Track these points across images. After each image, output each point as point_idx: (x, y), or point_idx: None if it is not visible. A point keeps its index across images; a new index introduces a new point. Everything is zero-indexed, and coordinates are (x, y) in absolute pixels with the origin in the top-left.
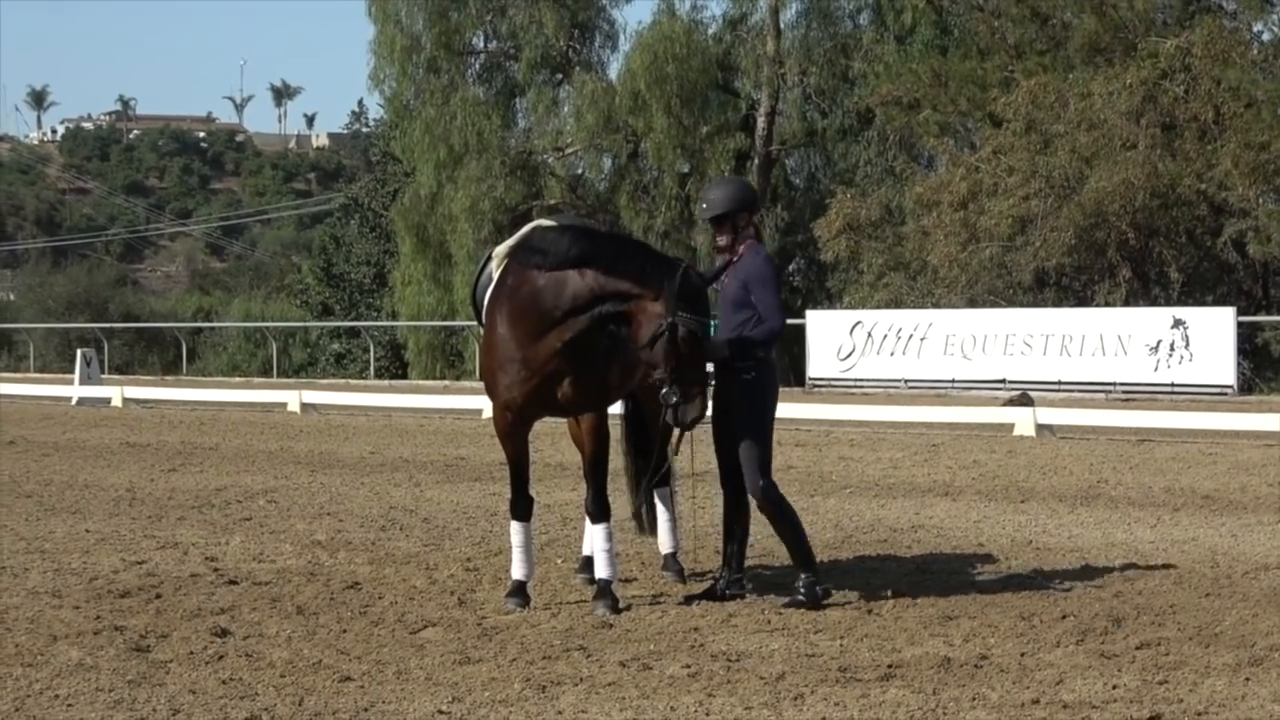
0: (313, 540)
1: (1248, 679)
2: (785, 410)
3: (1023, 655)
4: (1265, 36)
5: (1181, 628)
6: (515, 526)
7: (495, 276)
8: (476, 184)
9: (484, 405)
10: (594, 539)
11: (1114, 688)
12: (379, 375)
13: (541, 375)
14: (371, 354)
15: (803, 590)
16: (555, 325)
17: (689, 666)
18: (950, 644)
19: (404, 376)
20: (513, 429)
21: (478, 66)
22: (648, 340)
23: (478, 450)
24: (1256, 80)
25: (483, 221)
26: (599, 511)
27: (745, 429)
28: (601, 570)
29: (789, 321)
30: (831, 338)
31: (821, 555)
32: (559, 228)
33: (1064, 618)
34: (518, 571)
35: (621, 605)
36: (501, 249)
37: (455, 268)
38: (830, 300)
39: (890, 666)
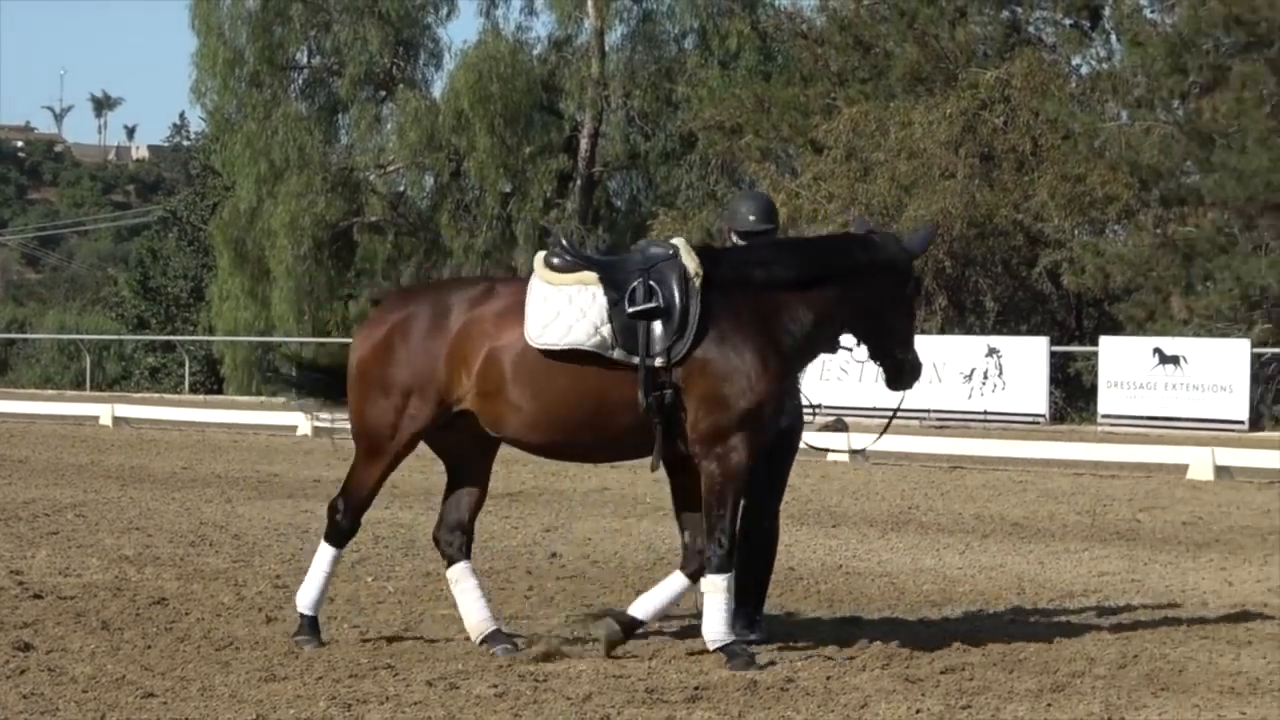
0: (120, 555)
1: (1049, 705)
2: None
3: (828, 678)
4: (1083, 70)
5: (986, 653)
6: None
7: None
8: (297, 200)
9: (299, 421)
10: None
11: (918, 712)
12: (194, 390)
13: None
14: (187, 368)
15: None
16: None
17: (496, 686)
18: (757, 667)
19: (220, 392)
20: None
21: (301, 82)
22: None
23: (291, 467)
24: (1074, 113)
25: (302, 237)
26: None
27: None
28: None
29: None
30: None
31: (633, 578)
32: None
33: (870, 642)
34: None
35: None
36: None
37: (273, 283)
38: None
39: (697, 689)
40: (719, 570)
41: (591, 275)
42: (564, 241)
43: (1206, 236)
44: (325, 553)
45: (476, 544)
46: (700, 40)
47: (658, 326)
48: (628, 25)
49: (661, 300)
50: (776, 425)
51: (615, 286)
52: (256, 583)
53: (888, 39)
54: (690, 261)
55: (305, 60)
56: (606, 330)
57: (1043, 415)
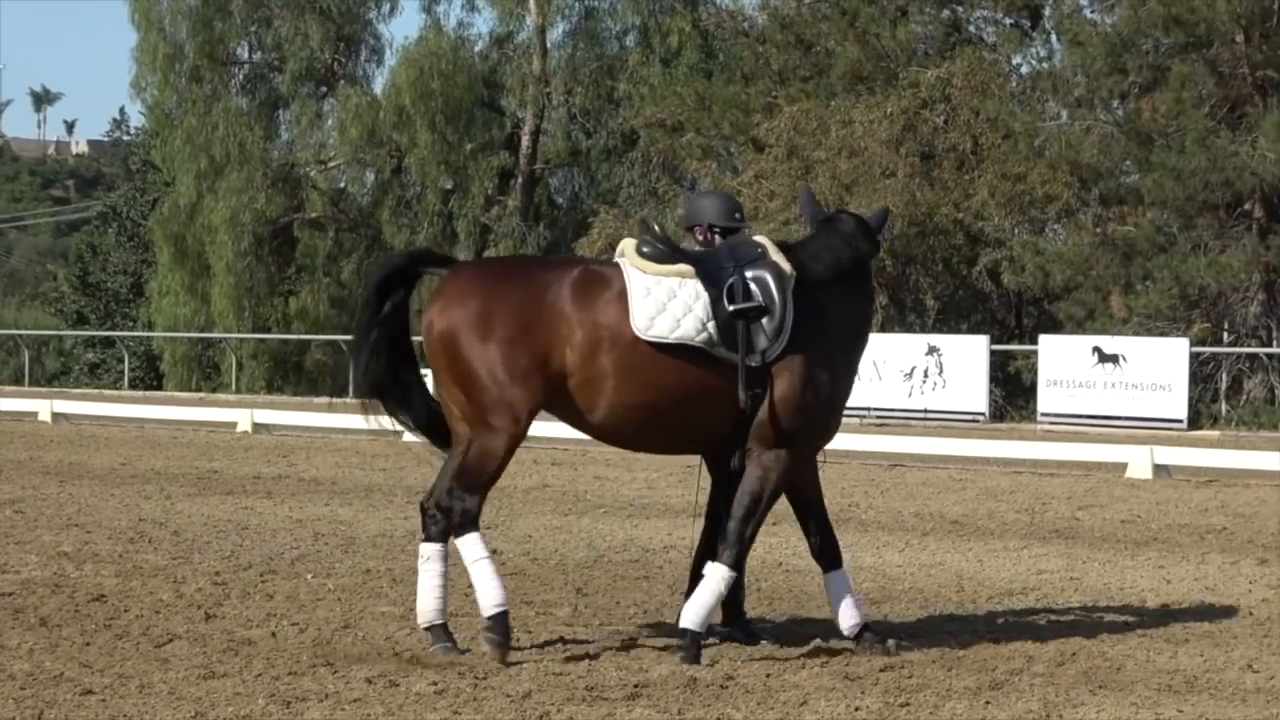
0: (59, 552)
1: (988, 702)
2: (541, 430)
3: (768, 676)
4: (1024, 69)
5: (925, 651)
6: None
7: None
8: (237, 195)
9: (239, 418)
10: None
11: (856, 709)
12: (134, 386)
13: None
14: (126, 364)
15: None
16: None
17: (436, 684)
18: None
19: (159, 388)
20: None
21: (241, 77)
22: None
23: (231, 464)
24: (1014, 112)
25: (243, 233)
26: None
27: None
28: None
29: None
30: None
31: (574, 575)
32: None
33: (810, 639)
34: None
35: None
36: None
37: (213, 279)
38: None
39: (637, 686)
40: (731, 564)
41: (688, 268)
42: (655, 228)
43: (1145, 236)
44: (474, 541)
45: (416, 541)
46: (642, 38)
47: (761, 325)
48: (569, 22)
49: (762, 299)
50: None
51: (712, 282)
52: (196, 579)
53: (829, 38)
54: (783, 261)
55: (246, 56)
56: (712, 326)
57: (982, 413)
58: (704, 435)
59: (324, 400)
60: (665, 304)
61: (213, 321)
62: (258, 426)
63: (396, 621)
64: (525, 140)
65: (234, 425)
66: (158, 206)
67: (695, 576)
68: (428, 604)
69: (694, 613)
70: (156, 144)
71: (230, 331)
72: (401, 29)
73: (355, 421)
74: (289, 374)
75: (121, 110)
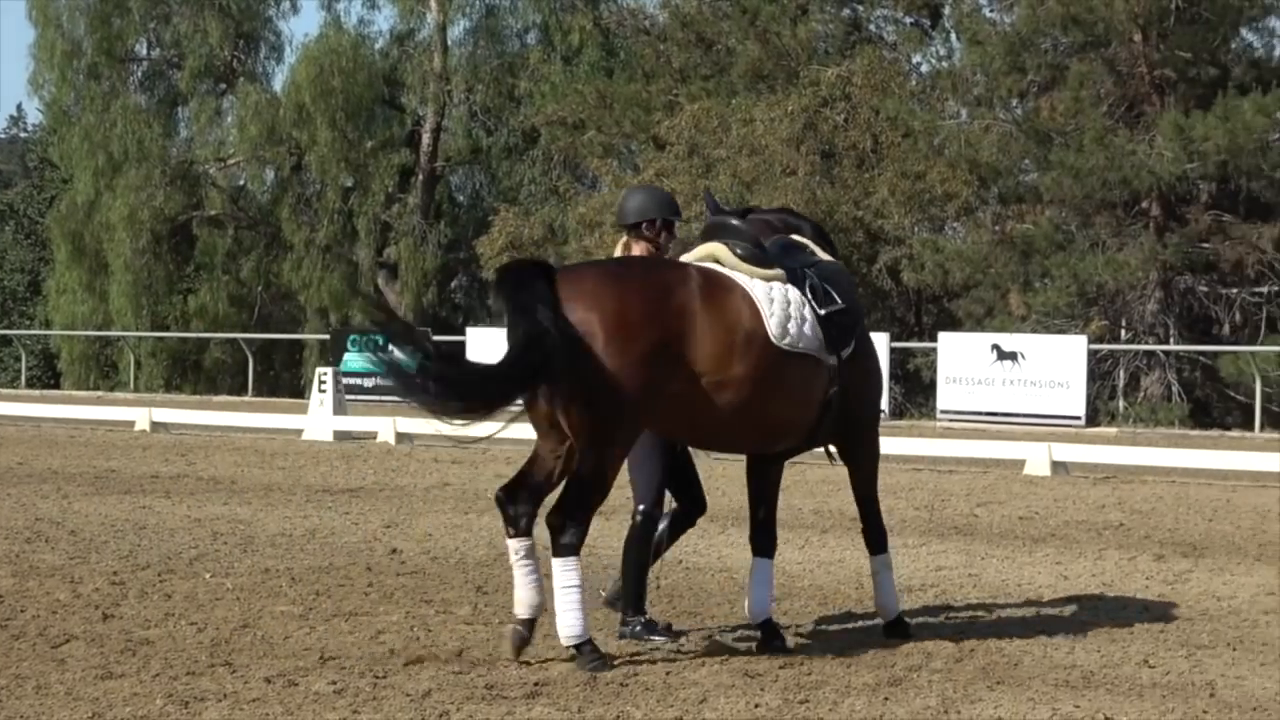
0: None
1: (886, 699)
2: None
3: (668, 674)
4: (923, 68)
5: (824, 648)
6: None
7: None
8: (136, 193)
9: (137, 417)
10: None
11: (756, 706)
12: (30, 385)
13: None
14: (23, 363)
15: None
16: None
17: (335, 683)
18: None
19: (57, 386)
20: None
21: (140, 74)
22: None
23: (129, 463)
24: (914, 111)
25: (141, 231)
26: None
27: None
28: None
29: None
30: (492, 355)
31: (474, 573)
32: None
33: (710, 637)
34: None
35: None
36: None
37: (111, 277)
38: (491, 318)
39: (537, 684)
40: (882, 549)
41: (780, 271)
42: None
43: (1044, 234)
44: (572, 566)
45: (315, 540)
46: (543, 36)
47: (842, 326)
48: (470, 20)
49: (841, 300)
50: None
51: (796, 284)
52: (93, 579)
53: (729, 36)
54: (834, 259)
55: (145, 52)
56: (820, 331)
57: (882, 411)
58: (796, 433)
59: (223, 399)
60: (787, 310)
61: (111, 320)
62: (156, 425)
63: (295, 621)
64: (426, 138)
65: (132, 424)
66: (55, 204)
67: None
68: (529, 597)
69: (886, 603)
70: (54, 141)
71: (128, 330)
72: (301, 26)
73: (254, 420)
74: (187, 372)
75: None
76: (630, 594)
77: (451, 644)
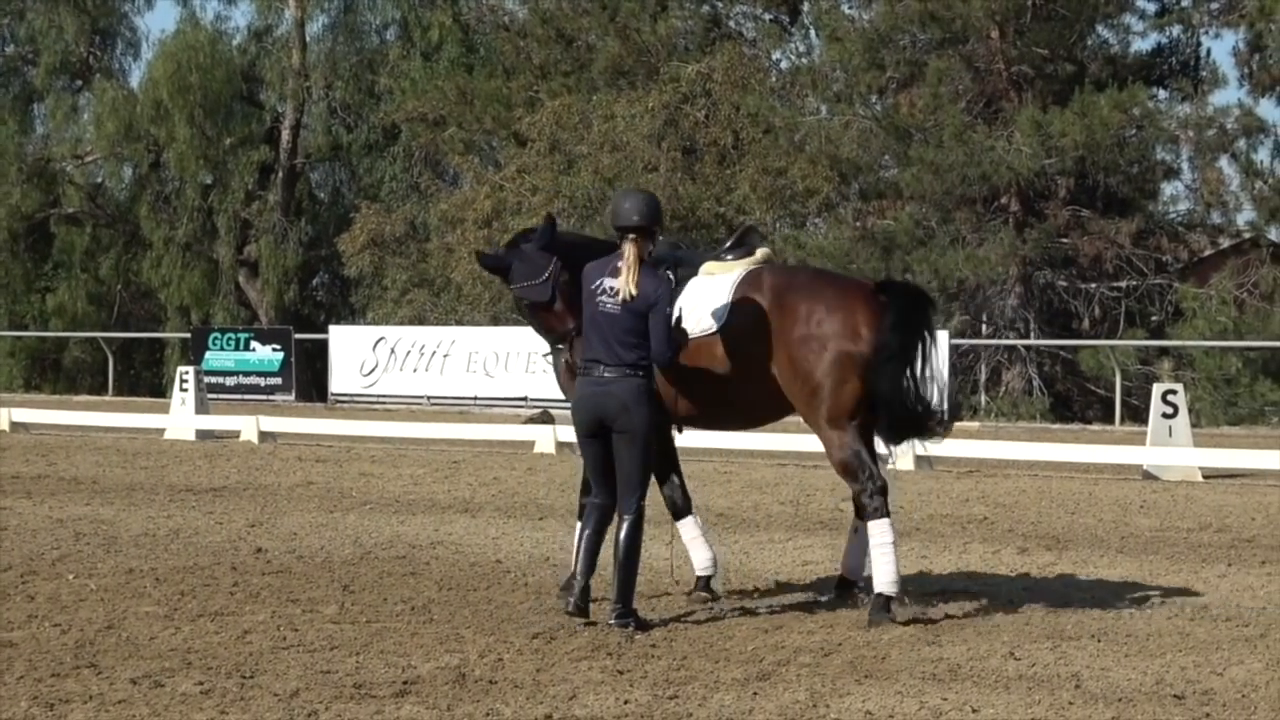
0: None
1: (755, 693)
2: (306, 426)
3: (537, 671)
4: (783, 64)
5: (692, 643)
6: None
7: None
8: None
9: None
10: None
11: (626, 702)
12: None
13: None
14: None
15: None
16: None
17: (202, 684)
18: (466, 660)
19: None
20: None
21: None
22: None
23: None
24: (774, 107)
25: None
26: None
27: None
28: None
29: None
30: (355, 353)
31: (340, 572)
32: None
33: (577, 634)
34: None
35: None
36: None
37: None
38: (354, 316)
39: (406, 683)
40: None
41: None
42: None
43: (905, 229)
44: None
45: (180, 540)
46: (402, 31)
47: None
48: (329, 16)
49: None
50: None
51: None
52: None
53: (590, 32)
54: None
55: None
56: None
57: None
58: None
59: (83, 399)
60: None
61: None
62: (15, 425)
63: (160, 621)
64: (285, 134)
65: None
66: None
67: None
68: (890, 573)
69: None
70: None
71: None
72: (158, 22)
73: (116, 420)
74: (47, 371)
75: None
76: (619, 585)
77: (319, 643)
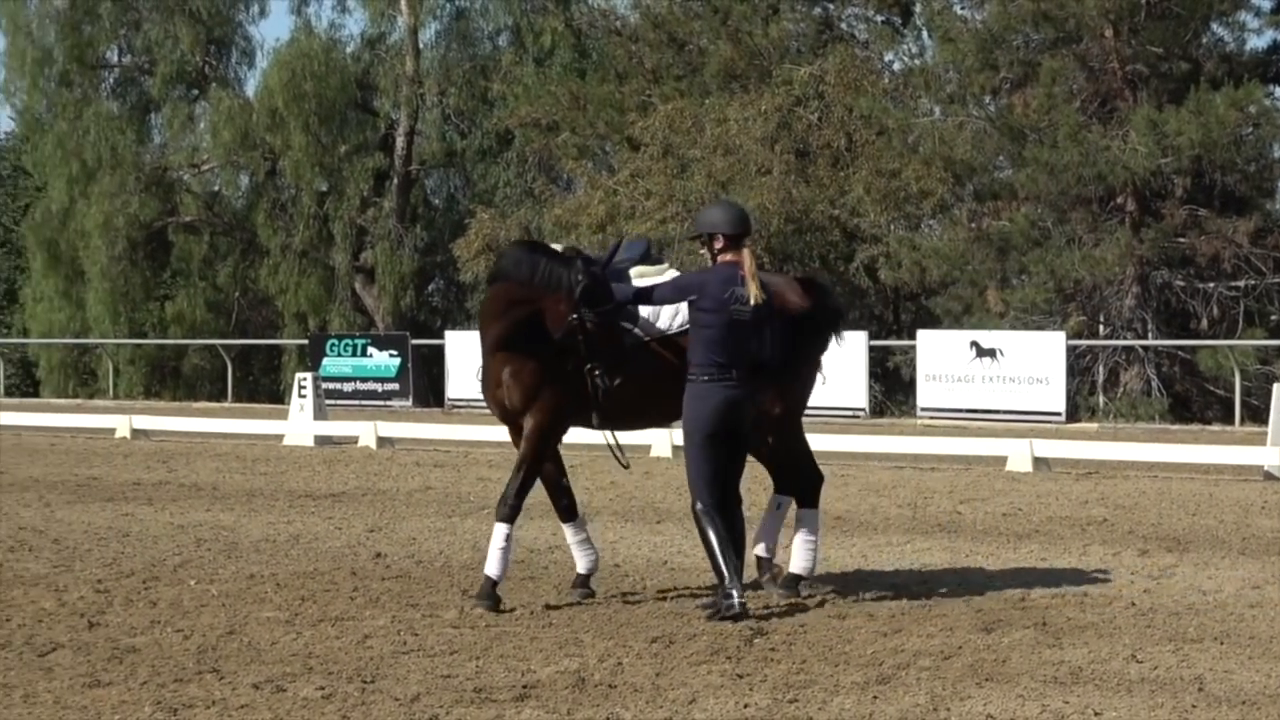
0: None
1: (875, 697)
2: (423, 431)
3: (657, 675)
4: (896, 66)
5: (812, 647)
6: (500, 528)
7: None
8: (110, 200)
9: (117, 424)
10: (493, 538)
11: (745, 706)
12: (9, 393)
13: (494, 382)
14: (1, 371)
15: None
16: (487, 334)
17: (323, 688)
18: (585, 664)
19: (35, 394)
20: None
21: (112, 81)
22: (560, 334)
23: (110, 470)
24: (887, 109)
25: (116, 238)
26: (503, 510)
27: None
28: (584, 564)
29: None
30: (471, 358)
31: (459, 577)
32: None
33: (697, 637)
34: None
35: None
36: None
37: (88, 284)
38: (469, 321)
39: (525, 687)
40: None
41: None
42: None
43: (1020, 230)
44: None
45: (299, 545)
46: (515, 37)
47: None
48: (441, 23)
49: None
50: None
51: None
52: (78, 588)
53: (701, 36)
54: None
55: (116, 59)
56: None
57: (862, 409)
58: None
59: (202, 405)
60: None
61: (88, 327)
62: (136, 432)
63: (282, 626)
64: (400, 141)
65: (112, 431)
66: (30, 212)
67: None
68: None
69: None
70: (27, 149)
71: (106, 337)
72: (272, 30)
73: (235, 426)
74: (166, 379)
75: None
76: (723, 569)
77: (439, 647)
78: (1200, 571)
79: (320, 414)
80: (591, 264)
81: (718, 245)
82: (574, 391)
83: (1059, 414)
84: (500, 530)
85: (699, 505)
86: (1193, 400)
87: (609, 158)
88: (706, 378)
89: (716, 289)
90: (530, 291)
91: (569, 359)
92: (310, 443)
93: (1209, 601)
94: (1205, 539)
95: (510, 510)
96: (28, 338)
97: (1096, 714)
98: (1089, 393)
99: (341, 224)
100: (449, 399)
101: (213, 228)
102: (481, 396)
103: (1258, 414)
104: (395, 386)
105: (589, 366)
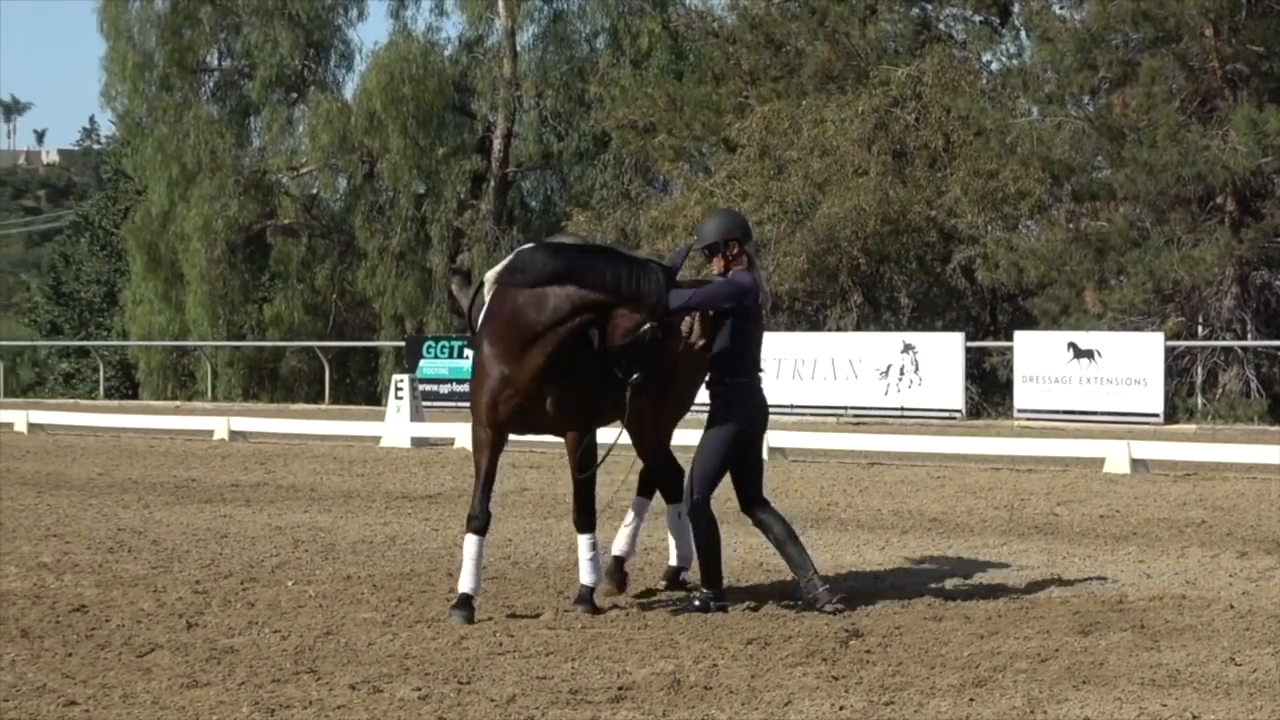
0: (38, 562)
1: (971, 700)
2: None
3: (752, 677)
4: (994, 66)
5: (907, 649)
6: (470, 539)
7: (487, 301)
8: (209, 203)
9: (215, 426)
10: (579, 548)
11: (841, 708)
12: (109, 395)
13: (526, 391)
14: (101, 374)
15: (698, 601)
16: (537, 340)
17: (420, 689)
18: (680, 666)
19: (135, 397)
20: (492, 444)
21: (211, 84)
22: (625, 342)
23: (208, 472)
24: (985, 109)
25: (216, 241)
26: (583, 523)
27: (700, 444)
28: (585, 577)
29: None
30: None
31: (555, 578)
32: (536, 246)
33: (792, 639)
34: (466, 585)
35: (600, 610)
36: (491, 274)
37: (187, 287)
38: None
39: (621, 689)
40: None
41: None
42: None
43: (1119, 231)
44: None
45: (396, 547)
46: (612, 40)
47: None
48: (538, 25)
49: None
50: None
51: None
52: (176, 588)
53: (799, 37)
54: None
55: (215, 63)
56: None
57: (959, 410)
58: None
59: (300, 407)
60: None
61: (187, 329)
62: (234, 434)
63: (379, 627)
64: (497, 144)
65: (211, 433)
66: (130, 215)
67: None
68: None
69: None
70: (128, 152)
71: (205, 339)
72: (370, 34)
73: (332, 428)
74: (264, 381)
75: (91, 119)
76: (706, 573)
77: (535, 648)
78: None
79: (417, 416)
80: (671, 273)
81: (733, 251)
82: (612, 404)
83: (1157, 415)
84: (584, 540)
85: (697, 499)
86: None
87: (705, 159)
88: (746, 378)
89: (756, 292)
90: (588, 297)
91: (598, 367)
92: (407, 444)
93: None
94: None
95: (588, 522)
96: (127, 340)
97: (1195, 717)
98: (1187, 394)
99: (439, 226)
100: None
101: (311, 230)
102: None
103: None
104: None
105: (634, 375)
